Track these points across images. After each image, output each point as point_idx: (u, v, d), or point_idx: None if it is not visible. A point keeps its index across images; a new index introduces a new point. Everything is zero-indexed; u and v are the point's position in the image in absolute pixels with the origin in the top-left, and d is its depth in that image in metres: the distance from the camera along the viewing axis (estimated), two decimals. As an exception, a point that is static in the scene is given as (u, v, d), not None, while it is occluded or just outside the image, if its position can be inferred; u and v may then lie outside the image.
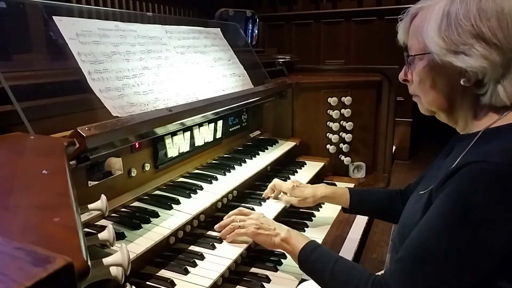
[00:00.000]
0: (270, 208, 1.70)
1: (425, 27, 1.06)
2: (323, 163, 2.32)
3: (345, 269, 1.13)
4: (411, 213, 1.15)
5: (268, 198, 1.77)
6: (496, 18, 0.97)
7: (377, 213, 1.68)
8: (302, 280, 1.37)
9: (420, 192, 1.14)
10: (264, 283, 1.34)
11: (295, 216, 1.83)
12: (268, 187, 1.78)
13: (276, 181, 1.78)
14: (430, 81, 1.10)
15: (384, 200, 1.58)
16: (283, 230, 1.36)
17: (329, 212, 1.89)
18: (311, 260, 1.21)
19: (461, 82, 1.03)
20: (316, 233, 1.73)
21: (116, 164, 1.39)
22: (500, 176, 0.90)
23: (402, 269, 0.99)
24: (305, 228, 1.75)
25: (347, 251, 1.66)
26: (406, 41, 1.18)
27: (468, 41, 0.98)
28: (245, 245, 1.41)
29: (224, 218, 1.50)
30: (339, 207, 1.80)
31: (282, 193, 1.75)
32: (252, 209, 1.67)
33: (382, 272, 1.52)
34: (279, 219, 1.75)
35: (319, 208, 1.92)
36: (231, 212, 1.52)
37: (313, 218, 1.84)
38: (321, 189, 1.70)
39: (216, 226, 1.48)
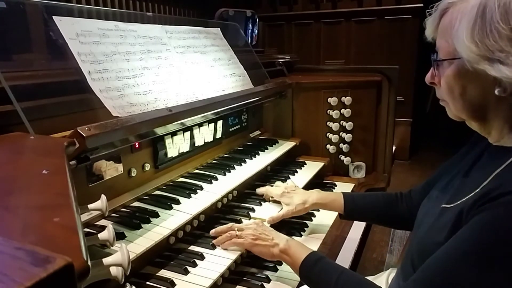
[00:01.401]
0: (270, 208, 1.70)
1: (455, 28, 0.93)
2: (323, 163, 2.32)
3: (352, 283, 1.09)
4: (432, 228, 1.04)
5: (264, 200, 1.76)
6: None
7: (373, 219, 1.62)
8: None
9: (444, 205, 1.04)
10: (264, 283, 1.34)
11: (295, 216, 1.83)
12: (258, 191, 1.78)
13: (267, 188, 1.76)
14: (460, 88, 0.98)
15: (381, 204, 1.52)
16: (281, 240, 1.31)
17: (329, 212, 1.88)
18: (315, 272, 1.16)
19: (496, 91, 0.90)
20: (316, 233, 1.73)
21: (106, 167, 1.38)
22: None
23: None
24: (305, 228, 1.75)
25: (347, 251, 1.66)
26: (435, 37, 1.05)
27: (506, 48, 0.86)
28: (240, 249, 1.40)
29: (211, 233, 1.46)
30: (338, 208, 1.79)
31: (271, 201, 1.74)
32: (252, 209, 1.67)
33: (382, 272, 1.53)
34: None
35: (319, 208, 1.91)
36: (219, 228, 1.47)
37: (313, 218, 1.84)
38: (313, 195, 1.63)
39: (212, 231, 1.45)
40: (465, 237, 0.88)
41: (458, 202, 0.98)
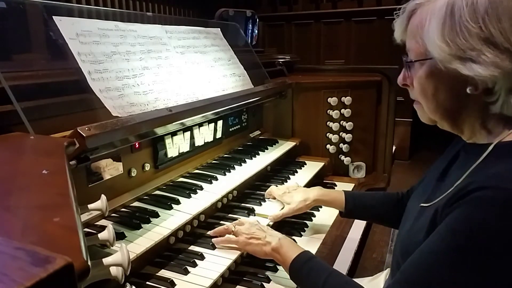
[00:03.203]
0: (270, 208, 1.70)
1: (426, 28, 0.93)
2: (323, 163, 2.32)
3: (339, 284, 1.09)
4: (413, 227, 1.06)
5: (269, 198, 1.77)
6: (508, 18, 0.84)
7: (374, 217, 1.62)
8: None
9: (422, 205, 1.05)
10: (264, 283, 1.34)
11: (295, 216, 1.83)
12: (266, 193, 1.79)
13: (270, 188, 1.78)
14: (432, 88, 0.98)
15: (382, 203, 1.52)
16: (274, 238, 1.30)
17: (329, 212, 1.88)
18: (303, 272, 1.16)
19: (467, 90, 0.91)
20: (316, 233, 1.73)
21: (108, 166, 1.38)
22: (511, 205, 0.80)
23: None
24: (305, 228, 1.75)
25: (347, 251, 1.65)
26: (404, 39, 1.06)
27: (477, 46, 0.86)
28: (235, 249, 1.40)
29: (210, 234, 1.47)
30: (339, 207, 1.79)
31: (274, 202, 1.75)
32: (252, 209, 1.67)
33: (381, 272, 1.53)
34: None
35: (319, 208, 1.92)
36: (218, 229, 1.48)
37: (313, 218, 1.84)
38: (314, 192, 1.64)
39: (210, 232, 1.46)
40: (439, 236, 0.89)
41: (435, 201, 0.99)
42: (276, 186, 1.83)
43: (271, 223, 1.63)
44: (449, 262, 0.85)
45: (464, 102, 0.96)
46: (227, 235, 1.41)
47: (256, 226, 1.40)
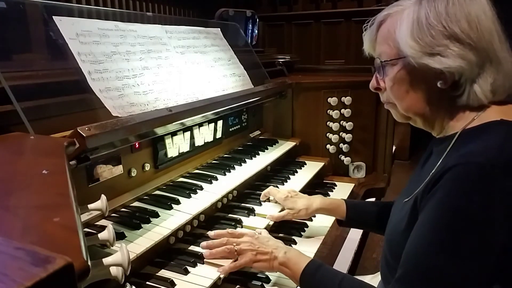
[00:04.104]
0: (270, 208, 1.70)
1: (397, 32, 1.05)
2: (323, 163, 2.32)
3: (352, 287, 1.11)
4: (396, 221, 1.13)
5: (265, 201, 1.75)
6: (465, 20, 0.97)
7: (374, 226, 1.59)
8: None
9: (405, 200, 1.11)
10: (264, 283, 1.34)
11: (295, 216, 1.83)
12: (263, 193, 1.74)
13: (271, 189, 1.74)
14: (406, 85, 1.08)
15: (381, 212, 1.52)
16: (280, 251, 1.28)
17: (329, 212, 1.88)
18: (316, 281, 1.17)
19: (438, 84, 1.01)
20: (316, 233, 1.73)
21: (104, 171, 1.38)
22: (485, 176, 0.88)
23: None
24: (305, 228, 1.75)
25: (347, 251, 1.65)
26: (371, 51, 1.19)
27: (442, 42, 0.97)
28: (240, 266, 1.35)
29: (210, 235, 1.42)
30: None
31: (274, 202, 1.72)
32: (252, 209, 1.67)
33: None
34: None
35: (322, 214, 1.91)
36: (219, 232, 1.42)
37: (313, 218, 1.84)
38: (317, 201, 1.63)
39: (203, 244, 1.37)
40: (425, 226, 0.95)
41: (414, 193, 1.05)
42: (277, 187, 1.82)
43: (271, 223, 1.62)
44: (442, 246, 0.91)
45: (434, 97, 1.06)
46: (232, 264, 1.30)
47: (259, 239, 1.35)
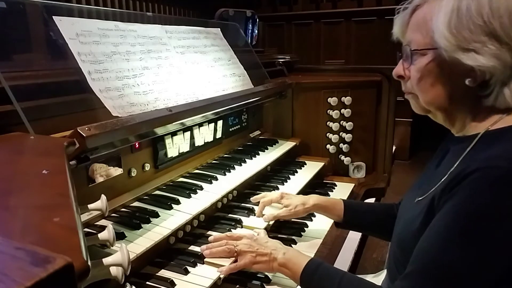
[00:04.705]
0: (269, 210, 1.70)
1: (433, 20, 0.98)
2: (323, 163, 2.32)
3: (353, 285, 1.10)
4: (408, 220, 1.10)
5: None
6: (507, 17, 0.92)
7: (371, 229, 1.58)
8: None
9: (418, 199, 1.09)
10: (264, 283, 1.34)
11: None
12: (258, 208, 1.65)
13: (264, 194, 1.70)
14: (433, 78, 1.03)
15: (380, 215, 1.50)
16: (279, 252, 1.27)
17: (329, 212, 1.88)
18: (316, 280, 1.16)
19: (466, 81, 0.97)
20: (315, 233, 1.73)
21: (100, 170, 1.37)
22: (508, 182, 0.86)
23: (416, 286, 0.94)
24: (305, 228, 1.75)
25: (347, 251, 1.65)
26: (400, 36, 1.12)
27: (480, 38, 0.92)
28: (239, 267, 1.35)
29: (209, 240, 1.41)
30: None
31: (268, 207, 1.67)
32: (252, 209, 1.67)
33: (381, 271, 1.53)
34: (278, 220, 1.75)
35: (319, 211, 1.91)
36: (217, 236, 1.42)
37: (313, 218, 1.84)
38: (313, 197, 1.62)
39: (202, 247, 1.36)
40: (444, 223, 0.92)
41: (429, 192, 1.03)
42: (277, 187, 1.81)
43: (271, 222, 1.62)
44: (459, 245, 0.89)
45: (460, 94, 1.02)
46: (232, 266, 1.30)
47: (257, 241, 1.35)
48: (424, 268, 0.93)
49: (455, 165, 0.98)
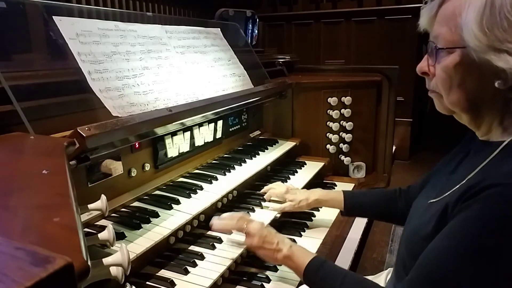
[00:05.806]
0: (269, 209, 1.70)
1: (463, 15, 0.89)
2: (323, 163, 2.32)
3: (355, 284, 1.09)
4: (419, 223, 1.06)
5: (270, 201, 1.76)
6: None
7: (374, 214, 1.64)
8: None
9: (431, 201, 1.05)
10: (264, 283, 1.34)
11: (295, 216, 1.83)
12: (266, 196, 1.76)
13: (270, 186, 1.79)
14: (459, 78, 0.94)
15: (381, 201, 1.53)
16: (285, 245, 1.28)
17: (329, 212, 1.89)
18: (319, 276, 1.16)
19: (496, 84, 0.89)
20: (316, 233, 1.73)
21: (114, 165, 1.39)
22: None
23: None
24: (305, 228, 1.75)
25: (347, 251, 1.66)
26: (428, 28, 1.03)
27: None
28: (245, 245, 1.40)
29: (221, 216, 1.45)
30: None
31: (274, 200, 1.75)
32: (252, 209, 1.67)
33: (381, 272, 1.53)
34: (279, 219, 1.76)
35: (319, 208, 1.92)
36: (231, 213, 1.45)
37: (313, 218, 1.84)
38: (315, 192, 1.69)
39: (214, 218, 1.42)
40: (454, 234, 0.89)
41: (444, 196, 0.99)
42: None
43: (278, 215, 1.67)
44: (468, 258, 0.85)
45: (488, 96, 0.94)
46: (239, 240, 1.35)
47: (268, 229, 1.35)
48: (427, 276, 0.91)
49: (474, 172, 0.94)
